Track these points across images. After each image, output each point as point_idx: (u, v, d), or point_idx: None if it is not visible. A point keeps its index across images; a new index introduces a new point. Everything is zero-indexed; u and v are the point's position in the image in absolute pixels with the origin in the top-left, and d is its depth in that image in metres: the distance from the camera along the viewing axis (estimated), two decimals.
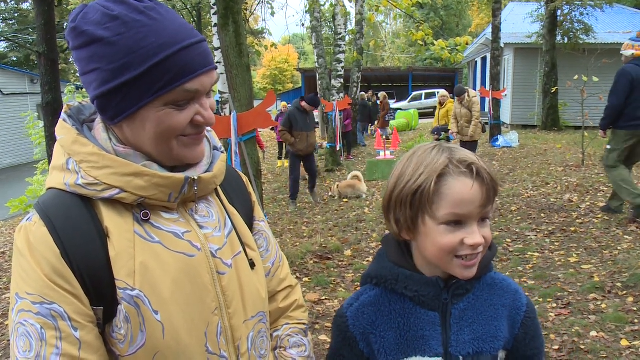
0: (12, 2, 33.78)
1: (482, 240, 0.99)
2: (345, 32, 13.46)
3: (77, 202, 0.91)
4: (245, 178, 1.25)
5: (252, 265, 1.08)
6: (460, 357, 1.06)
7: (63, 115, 0.98)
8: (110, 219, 0.91)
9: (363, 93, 17.63)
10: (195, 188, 0.99)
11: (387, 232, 1.18)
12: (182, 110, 0.91)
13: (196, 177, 0.98)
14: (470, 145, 9.14)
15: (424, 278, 1.07)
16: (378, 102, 18.09)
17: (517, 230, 6.09)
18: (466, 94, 9.11)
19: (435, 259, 1.04)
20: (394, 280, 1.09)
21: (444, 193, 0.98)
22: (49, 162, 6.01)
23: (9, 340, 4.47)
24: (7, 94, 21.04)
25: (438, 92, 16.12)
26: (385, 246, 1.15)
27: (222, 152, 1.10)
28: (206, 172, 1.02)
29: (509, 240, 5.77)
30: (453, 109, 9.49)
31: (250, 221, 1.19)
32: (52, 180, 0.95)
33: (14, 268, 0.90)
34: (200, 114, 0.93)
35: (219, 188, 1.11)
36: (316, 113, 24.87)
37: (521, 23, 18.67)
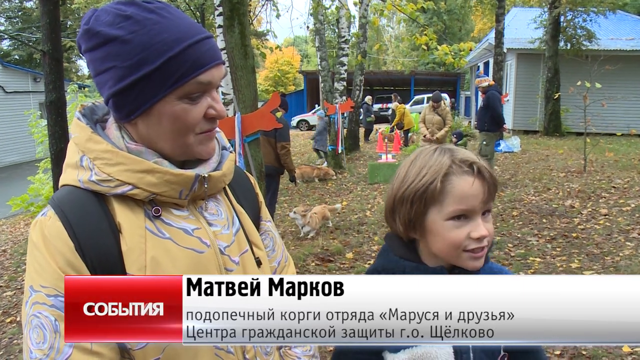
0: (16, 1, 33.88)
1: (487, 232, 1.05)
2: (349, 35, 13.45)
3: (91, 198, 0.93)
4: (252, 179, 1.27)
5: (259, 263, 1.10)
6: (470, 346, 1.09)
7: (77, 114, 0.99)
8: (122, 214, 0.93)
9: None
10: (206, 185, 1.01)
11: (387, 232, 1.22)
12: (196, 104, 0.94)
13: (206, 175, 1.00)
14: None
15: (429, 269, 1.12)
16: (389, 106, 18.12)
17: (518, 235, 6.09)
18: (442, 102, 9.37)
19: (444, 254, 1.09)
20: (401, 272, 1.12)
21: (449, 191, 1.06)
22: (52, 161, 6.02)
23: (10, 338, 4.49)
24: (10, 92, 21.06)
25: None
26: (390, 242, 1.19)
27: (230, 152, 1.12)
28: (215, 170, 1.04)
29: (510, 245, 5.77)
30: (423, 114, 9.44)
31: (257, 221, 1.20)
32: (66, 177, 0.97)
33: (29, 261, 0.91)
34: (213, 107, 0.96)
35: (227, 187, 1.12)
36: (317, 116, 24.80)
37: (524, 28, 18.69)
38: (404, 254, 1.15)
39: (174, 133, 0.94)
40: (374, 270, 1.19)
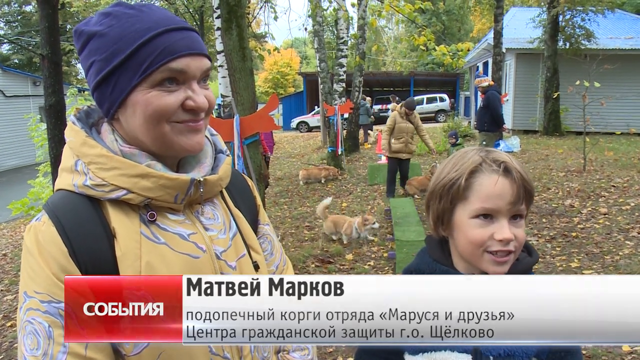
0: (15, 5, 33.88)
1: (511, 236, 1.02)
2: (348, 36, 13.46)
3: (85, 202, 0.93)
4: (250, 182, 1.26)
5: (256, 267, 1.09)
6: (491, 357, 1.05)
7: (72, 118, 0.99)
8: (117, 219, 0.93)
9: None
10: (201, 190, 1.00)
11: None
12: (171, 93, 0.92)
13: (202, 179, 0.99)
14: (406, 162, 8.73)
15: (459, 274, 1.10)
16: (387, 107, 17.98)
17: None
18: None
19: (466, 253, 1.08)
20: (431, 274, 1.12)
21: (474, 188, 1.05)
22: (51, 165, 6.01)
23: (10, 342, 4.49)
24: (10, 96, 21.05)
25: (439, 97, 16.14)
26: (427, 243, 1.20)
27: (227, 156, 1.11)
28: (211, 174, 1.03)
29: None
30: (393, 122, 8.64)
31: (255, 224, 1.20)
32: (61, 182, 0.96)
33: (23, 267, 0.90)
34: (191, 98, 0.93)
35: (224, 191, 1.11)
36: (318, 117, 24.72)
37: (523, 28, 18.69)
38: (437, 256, 1.15)
39: (147, 122, 0.92)
40: (407, 270, 1.20)
